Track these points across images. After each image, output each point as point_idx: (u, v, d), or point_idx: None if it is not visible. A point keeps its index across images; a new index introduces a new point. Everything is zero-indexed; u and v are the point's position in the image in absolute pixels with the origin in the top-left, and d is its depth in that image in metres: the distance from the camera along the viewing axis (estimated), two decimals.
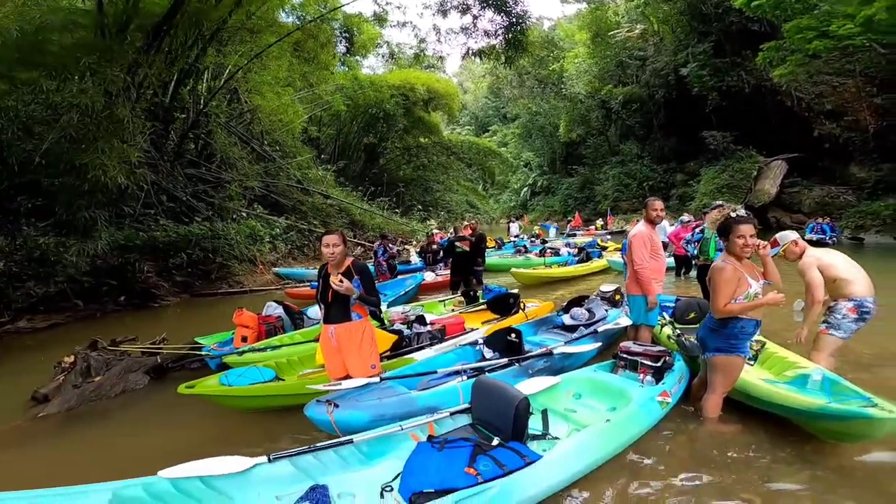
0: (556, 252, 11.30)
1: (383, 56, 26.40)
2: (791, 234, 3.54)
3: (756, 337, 3.38)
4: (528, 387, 3.07)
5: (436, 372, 3.47)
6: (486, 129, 45.81)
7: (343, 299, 3.20)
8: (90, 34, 7.67)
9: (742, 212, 4.89)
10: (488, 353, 4.02)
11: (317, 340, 4.59)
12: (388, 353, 4.15)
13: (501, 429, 2.60)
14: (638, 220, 4.23)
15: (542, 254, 11.10)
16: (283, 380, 3.85)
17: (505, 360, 3.62)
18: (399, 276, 8.96)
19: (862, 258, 3.71)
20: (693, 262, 5.95)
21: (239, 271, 11.13)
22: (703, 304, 4.28)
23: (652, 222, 4.06)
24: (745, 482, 2.47)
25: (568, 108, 30.01)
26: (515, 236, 16.31)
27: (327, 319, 3.30)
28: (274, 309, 5.51)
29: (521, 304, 5.48)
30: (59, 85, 6.74)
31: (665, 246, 12.21)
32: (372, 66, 30.01)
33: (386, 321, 5.05)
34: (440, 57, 16.40)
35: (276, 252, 13.23)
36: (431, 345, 4.28)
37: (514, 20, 12.72)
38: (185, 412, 3.78)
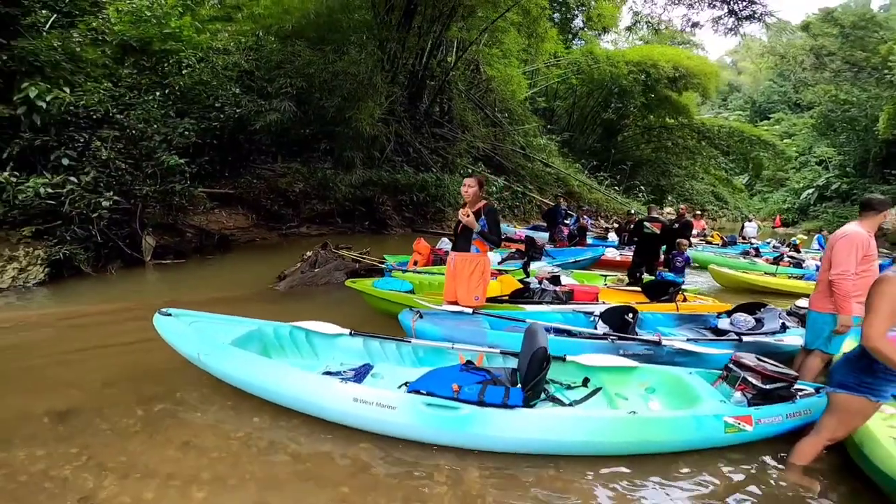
0: (798, 264, 8.93)
1: (628, 31, 24.13)
2: None
3: None
4: (592, 359, 2.93)
5: (524, 321, 3.63)
6: (766, 116, 37.30)
7: (467, 232, 3.70)
8: (365, 14, 9.87)
9: None
10: (602, 326, 3.86)
11: None
12: (506, 297, 4.46)
13: (522, 374, 2.60)
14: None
15: (776, 261, 8.94)
16: (414, 293, 4.66)
17: (600, 333, 3.42)
18: (580, 247, 8.80)
19: None
20: None
21: (452, 217, 12.84)
22: None
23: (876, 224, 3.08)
24: None
25: (892, 98, 21.88)
26: (751, 238, 13.37)
27: (453, 248, 3.87)
28: (445, 244, 6.46)
29: (682, 296, 4.87)
30: (340, 57, 9.09)
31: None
32: (616, 40, 27.66)
33: (532, 276, 5.31)
34: (694, 25, 14.00)
35: None
36: (551, 303, 4.36)
37: None
38: (347, 300, 4.95)
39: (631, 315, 3.72)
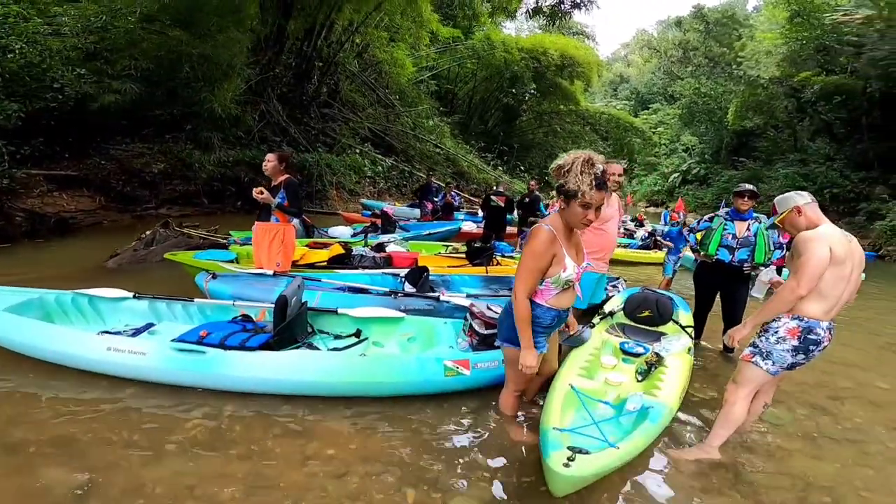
0: (630, 234, 10.47)
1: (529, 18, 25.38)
2: (798, 198, 2.30)
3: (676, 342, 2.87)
4: (360, 311, 3.28)
5: (320, 280, 4.01)
6: (647, 106, 41.38)
7: (268, 204, 3.95)
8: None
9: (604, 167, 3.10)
10: (408, 286, 4.35)
11: (312, 248, 5.58)
12: (324, 263, 4.83)
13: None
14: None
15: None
16: (238, 262, 4.82)
17: (385, 290, 3.86)
18: (444, 220, 9.44)
19: None
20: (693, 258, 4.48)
21: (334, 197, 12.91)
22: (663, 303, 3.47)
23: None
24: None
25: (742, 93, 25.33)
26: None
27: (257, 219, 4.13)
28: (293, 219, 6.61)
29: (495, 261, 5.54)
30: (198, 38, 8.90)
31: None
32: (520, 28, 29.03)
33: (366, 245, 5.69)
34: (535, 12, 15.95)
35: (375, 186, 14.86)
36: (368, 267, 4.79)
37: None
38: (176, 275, 4.86)
39: (424, 275, 4.24)
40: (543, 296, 2.08)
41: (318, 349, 3.02)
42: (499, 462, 2.26)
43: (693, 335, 3.47)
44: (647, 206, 31.93)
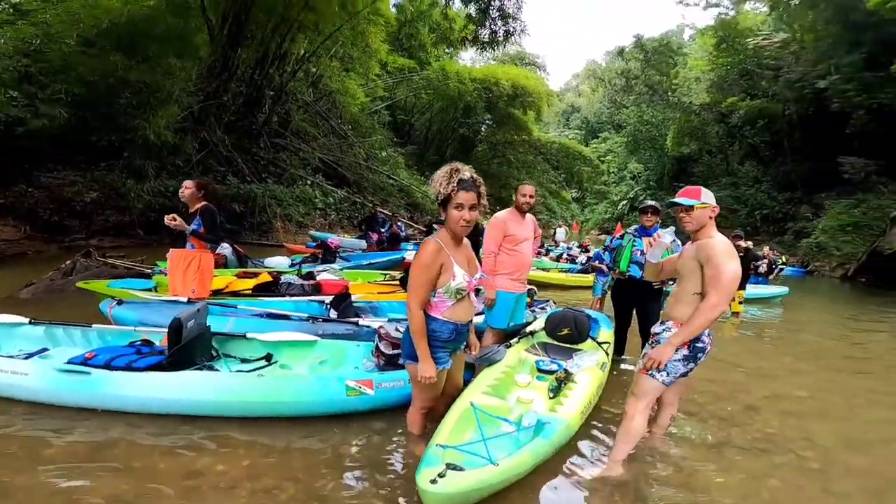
0: (572, 259, 10.77)
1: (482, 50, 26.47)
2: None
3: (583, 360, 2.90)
4: (270, 336, 3.20)
5: (235, 307, 3.86)
6: (596, 135, 43.64)
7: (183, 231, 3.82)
8: (180, 22, 9.58)
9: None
10: (333, 312, 4.24)
11: (241, 277, 5.37)
12: (249, 290, 4.70)
13: None
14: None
15: (557, 258, 10.78)
16: (155, 291, 4.59)
17: (305, 316, 3.77)
18: (389, 250, 9.37)
19: None
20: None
21: (280, 228, 12.60)
22: (581, 321, 3.50)
23: (519, 209, 3.58)
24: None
25: (679, 120, 27.07)
26: (561, 241, 15.64)
27: (172, 245, 3.98)
28: (224, 248, 6.44)
29: None
30: (136, 64, 8.76)
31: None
32: (475, 59, 30.28)
33: (297, 275, 5.55)
34: (474, 40, 17.39)
35: (326, 218, 14.64)
36: (296, 294, 4.65)
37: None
38: (93, 304, 4.54)
39: (347, 300, 4.17)
40: (438, 308, 2.11)
41: (217, 371, 2.93)
42: (398, 480, 2.22)
43: (610, 351, 3.53)
44: (599, 234, 32.98)
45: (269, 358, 3.21)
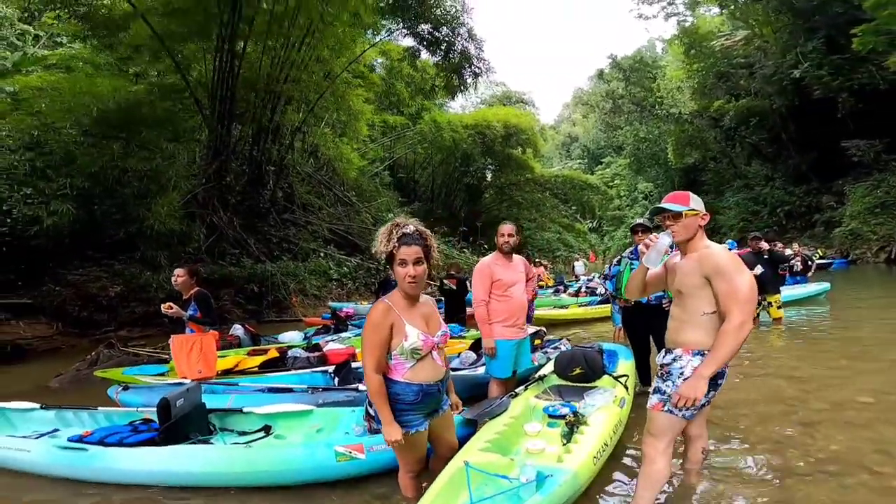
0: (592, 291, 10.36)
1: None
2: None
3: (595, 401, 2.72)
4: (266, 408, 3.15)
5: (237, 384, 3.84)
6: (599, 161, 43.92)
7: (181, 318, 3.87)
8: (170, 106, 10.14)
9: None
10: (338, 381, 4.15)
11: (251, 355, 5.38)
12: (255, 368, 4.72)
13: None
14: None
15: (576, 293, 10.41)
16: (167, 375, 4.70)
17: (305, 387, 3.70)
18: None
19: None
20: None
21: (299, 304, 12.70)
22: (591, 357, 3.27)
23: (501, 250, 3.44)
24: None
25: (673, 131, 27.09)
26: (580, 274, 15.23)
27: (172, 332, 4.10)
28: (236, 329, 6.53)
29: None
30: (133, 152, 9.18)
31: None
32: (465, 105, 31.44)
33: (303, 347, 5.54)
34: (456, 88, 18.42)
35: (343, 288, 14.73)
36: (302, 367, 4.59)
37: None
38: (102, 389, 4.66)
39: (347, 367, 4.12)
40: (398, 371, 2.03)
41: (210, 444, 2.97)
42: None
43: (631, 384, 3.26)
44: (574, 260, 32.19)
45: (267, 430, 3.15)
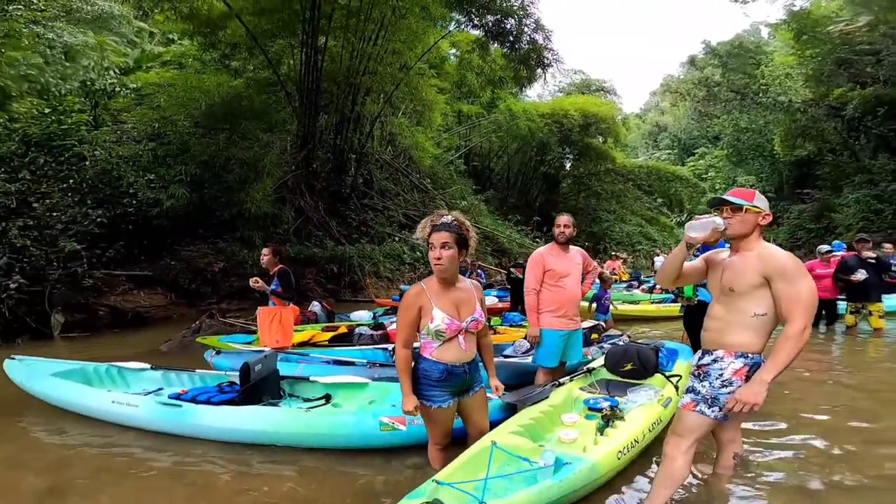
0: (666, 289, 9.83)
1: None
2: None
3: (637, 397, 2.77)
4: (328, 378, 3.54)
5: (308, 355, 4.34)
6: (691, 152, 40.45)
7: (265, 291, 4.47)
8: (265, 100, 11.13)
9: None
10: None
11: (325, 331, 5.98)
12: (325, 342, 5.30)
13: None
14: None
15: (650, 290, 9.91)
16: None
17: (365, 362, 4.09)
18: None
19: None
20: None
21: (372, 285, 13.51)
22: (644, 353, 3.21)
23: (556, 241, 3.51)
24: None
25: (782, 121, 24.06)
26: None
27: (259, 304, 4.63)
28: (315, 306, 7.21)
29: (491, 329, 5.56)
30: (234, 142, 10.29)
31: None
32: (542, 94, 30.57)
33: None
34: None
35: (415, 272, 15.36)
36: (366, 343, 5.03)
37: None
38: (201, 353, 5.38)
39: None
40: (427, 349, 2.21)
41: (276, 407, 3.32)
42: None
43: (685, 384, 3.21)
44: (654, 255, 29.78)
45: (328, 398, 3.51)
